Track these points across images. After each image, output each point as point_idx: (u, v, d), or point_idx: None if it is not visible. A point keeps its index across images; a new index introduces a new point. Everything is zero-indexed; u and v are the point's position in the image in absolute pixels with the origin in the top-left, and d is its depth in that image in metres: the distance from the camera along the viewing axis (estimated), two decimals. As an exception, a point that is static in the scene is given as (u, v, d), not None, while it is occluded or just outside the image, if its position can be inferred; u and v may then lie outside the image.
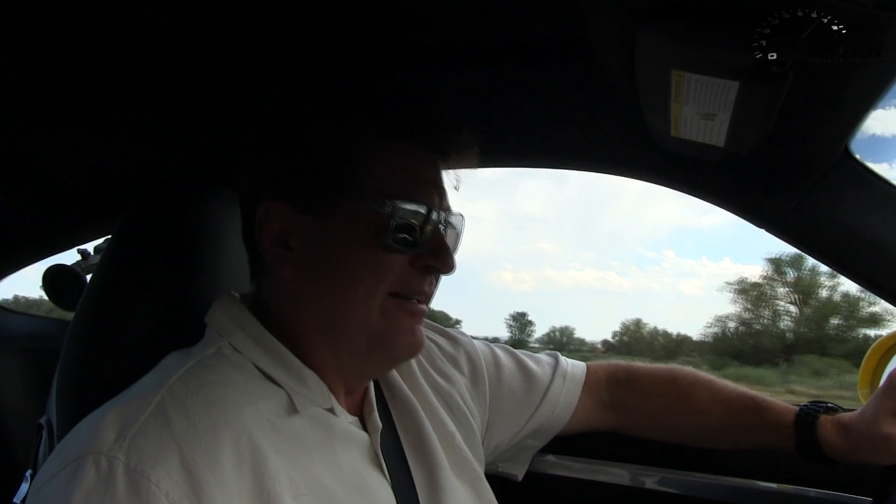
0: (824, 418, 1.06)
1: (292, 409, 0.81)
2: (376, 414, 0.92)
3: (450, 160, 0.91)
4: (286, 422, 0.79)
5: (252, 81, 1.11)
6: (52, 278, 1.61)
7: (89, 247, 1.66)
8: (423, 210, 0.85)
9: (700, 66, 0.73)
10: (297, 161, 0.85)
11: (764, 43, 0.67)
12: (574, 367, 1.22)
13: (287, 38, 0.99)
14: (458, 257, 0.92)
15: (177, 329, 0.91)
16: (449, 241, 0.90)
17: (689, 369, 1.24)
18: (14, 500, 1.15)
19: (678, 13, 0.70)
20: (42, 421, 1.11)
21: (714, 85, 0.75)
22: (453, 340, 1.16)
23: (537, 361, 1.20)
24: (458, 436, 1.02)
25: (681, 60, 0.74)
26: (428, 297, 0.90)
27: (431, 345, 1.13)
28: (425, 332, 1.13)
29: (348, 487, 0.81)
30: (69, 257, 1.66)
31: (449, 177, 0.93)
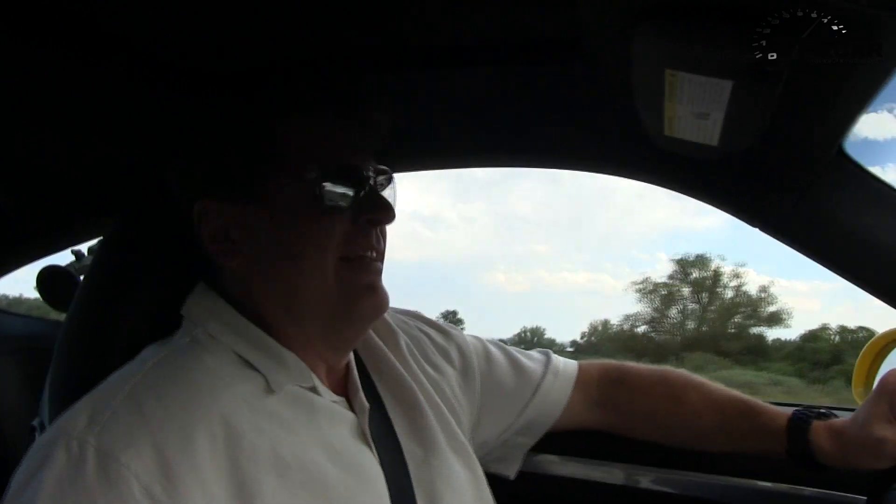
0: (817, 424, 1.06)
1: (271, 389, 0.81)
2: (362, 394, 0.92)
3: (361, 119, 0.92)
4: (266, 402, 0.80)
5: (251, 80, 1.11)
6: (47, 279, 1.60)
7: (83, 248, 1.66)
8: (349, 169, 0.87)
9: (693, 65, 0.73)
10: (217, 154, 0.87)
11: (761, 42, 0.67)
12: (566, 364, 1.22)
13: (287, 37, 0.99)
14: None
15: (169, 329, 0.91)
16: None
17: (682, 371, 1.24)
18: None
19: (673, 12, 0.70)
20: (35, 423, 1.11)
21: (707, 84, 0.75)
22: (445, 333, 1.16)
23: (529, 357, 1.21)
24: (452, 421, 1.02)
25: (675, 59, 0.74)
26: (379, 254, 0.91)
27: (423, 336, 1.13)
28: (417, 324, 1.14)
29: (338, 464, 0.81)
30: (64, 259, 1.67)
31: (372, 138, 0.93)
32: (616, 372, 1.23)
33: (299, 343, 0.87)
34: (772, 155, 1.01)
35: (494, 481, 1.05)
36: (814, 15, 0.65)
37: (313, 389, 0.86)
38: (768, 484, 1.21)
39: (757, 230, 1.15)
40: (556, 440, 1.21)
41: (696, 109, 0.83)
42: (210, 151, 0.88)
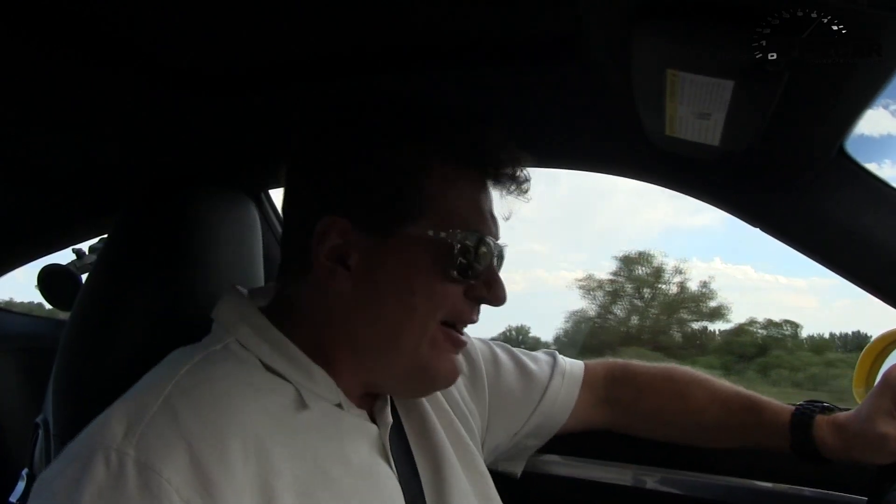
0: (820, 418, 1.06)
1: (300, 403, 0.80)
2: (388, 409, 0.92)
3: (504, 192, 0.91)
4: (293, 416, 0.79)
5: (249, 81, 1.11)
6: (48, 278, 1.60)
7: (84, 246, 1.65)
8: (483, 241, 0.85)
9: (695, 65, 0.73)
10: (368, 179, 0.84)
11: (762, 42, 0.67)
12: (572, 365, 1.21)
13: (285, 37, 0.99)
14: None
15: (172, 328, 0.91)
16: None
17: (687, 368, 1.24)
18: (10, 499, 1.15)
19: (673, 12, 0.70)
20: (38, 420, 1.11)
21: (709, 84, 0.75)
22: None
23: (535, 360, 1.20)
24: (462, 431, 1.02)
25: (676, 59, 0.74)
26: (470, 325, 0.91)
27: None
28: None
29: (357, 479, 0.81)
30: (64, 258, 1.67)
31: (501, 207, 0.93)
32: (621, 370, 1.24)
33: (351, 378, 0.86)
34: (772, 154, 1.01)
35: (500, 482, 1.05)
36: (814, 15, 0.65)
37: (338, 405, 0.85)
38: (769, 484, 1.21)
39: (754, 229, 1.15)
40: (562, 441, 1.21)
41: (697, 109, 0.82)
42: (359, 171, 0.84)
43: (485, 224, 0.87)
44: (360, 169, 0.84)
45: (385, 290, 0.83)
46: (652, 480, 1.28)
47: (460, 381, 1.09)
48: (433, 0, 0.89)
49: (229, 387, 0.76)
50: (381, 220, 0.83)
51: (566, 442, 1.22)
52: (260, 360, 0.82)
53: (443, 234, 0.82)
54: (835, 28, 0.65)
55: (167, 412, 0.70)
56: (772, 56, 0.67)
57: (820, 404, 1.10)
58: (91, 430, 0.71)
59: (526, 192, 0.92)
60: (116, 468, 0.64)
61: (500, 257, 0.91)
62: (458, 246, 0.82)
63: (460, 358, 1.11)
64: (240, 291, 0.90)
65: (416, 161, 0.84)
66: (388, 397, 0.94)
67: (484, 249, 0.85)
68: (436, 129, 0.88)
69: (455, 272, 0.83)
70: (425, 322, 0.84)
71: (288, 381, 0.82)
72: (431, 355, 0.85)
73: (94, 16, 0.91)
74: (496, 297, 0.88)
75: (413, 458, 0.93)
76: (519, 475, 1.20)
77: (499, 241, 0.90)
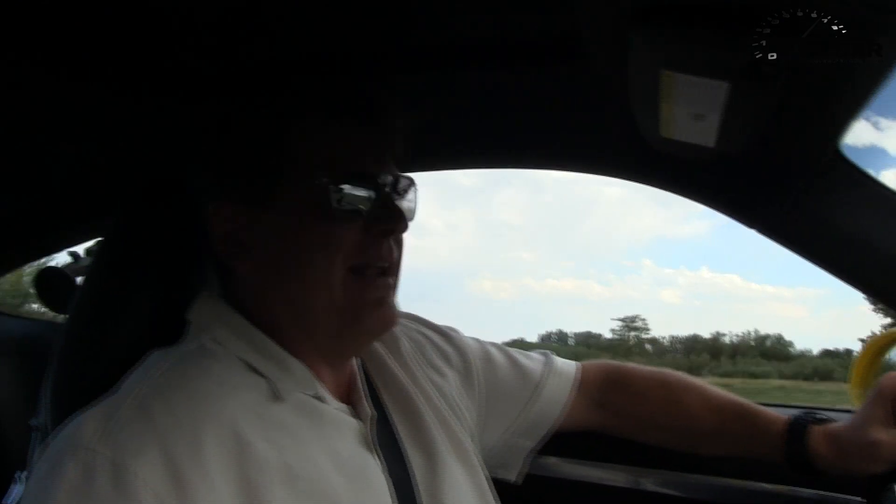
0: (814, 428, 1.06)
1: (277, 396, 0.81)
2: (366, 402, 0.92)
3: (381, 125, 0.90)
4: (272, 410, 0.79)
5: (244, 82, 1.10)
6: (44, 280, 1.60)
7: (80, 249, 1.65)
8: (361, 175, 0.85)
9: (689, 66, 0.73)
10: (229, 156, 0.86)
11: (760, 43, 0.67)
12: (566, 364, 1.22)
13: (283, 38, 0.99)
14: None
15: (168, 330, 0.90)
16: (401, 205, 0.90)
17: (681, 374, 1.23)
18: (6, 501, 1.15)
19: (669, 14, 0.70)
20: (34, 422, 1.11)
21: (704, 85, 0.75)
22: (444, 336, 1.16)
23: (529, 358, 1.20)
24: (455, 426, 1.01)
25: (671, 61, 0.74)
26: (392, 265, 0.90)
27: (423, 340, 1.12)
28: (417, 327, 1.14)
29: (345, 472, 0.81)
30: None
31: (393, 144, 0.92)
32: (616, 373, 1.23)
33: (306, 350, 0.86)
34: (768, 156, 1.01)
35: (498, 483, 1.05)
36: (812, 16, 0.65)
37: (318, 397, 0.85)
38: (767, 485, 1.21)
39: (742, 239, 1.16)
40: (558, 442, 1.21)
41: (692, 111, 0.82)
42: (222, 153, 0.87)
43: (358, 161, 0.87)
44: (221, 148, 0.87)
45: (283, 256, 0.84)
46: (649, 482, 1.28)
47: (453, 377, 1.10)
48: (432, 3, 0.89)
49: (205, 384, 0.76)
50: (256, 191, 0.84)
51: (563, 443, 1.22)
52: (238, 357, 0.83)
53: (316, 182, 0.82)
54: (832, 29, 0.65)
55: (140, 411, 0.70)
56: (771, 56, 0.67)
57: (814, 415, 1.09)
58: (65, 431, 0.71)
59: (398, 126, 0.91)
60: (88, 466, 0.64)
61: (392, 187, 0.89)
62: (333, 186, 0.83)
63: (445, 345, 1.13)
64: (213, 293, 0.91)
65: (270, 124, 0.86)
66: (363, 390, 0.94)
67: (363, 183, 0.85)
68: (285, 89, 0.90)
69: (340, 213, 0.83)
70: (328, 272, 0.83)
71: (264, 376, 0.82)
72: (350, 301, 0.84)
73: (93, 15, 0.91)
74: (394, 223, 0.87)
75: (401, 450, 0.93)
76: (515, 481, 1.19)
77: (390, 174, 0.89)
